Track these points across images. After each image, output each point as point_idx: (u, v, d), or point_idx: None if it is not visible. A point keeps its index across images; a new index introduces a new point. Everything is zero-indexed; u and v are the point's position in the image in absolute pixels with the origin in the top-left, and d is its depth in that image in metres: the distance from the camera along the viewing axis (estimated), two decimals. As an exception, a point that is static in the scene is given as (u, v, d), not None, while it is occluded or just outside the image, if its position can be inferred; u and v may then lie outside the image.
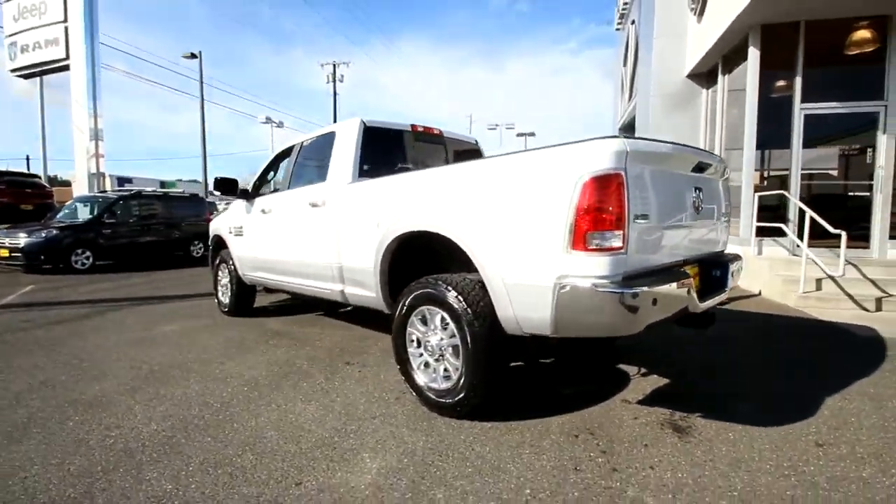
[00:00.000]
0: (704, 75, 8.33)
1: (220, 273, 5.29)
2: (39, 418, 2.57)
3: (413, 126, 3.76)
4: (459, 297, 2.35)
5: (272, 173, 4.70)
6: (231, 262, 4.95)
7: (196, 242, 12.04)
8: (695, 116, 8.55)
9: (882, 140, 5.94)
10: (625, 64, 13.03)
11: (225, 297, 5.20)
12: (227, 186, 4.49)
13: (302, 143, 4.05)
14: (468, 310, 2.31)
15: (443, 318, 2.48)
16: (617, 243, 1.82)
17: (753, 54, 6.33)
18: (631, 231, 1.85)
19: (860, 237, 6.06)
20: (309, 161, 3.91)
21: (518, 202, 2.04)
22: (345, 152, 3.36)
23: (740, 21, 6.13)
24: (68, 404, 2.76)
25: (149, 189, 12.42)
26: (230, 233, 4.88)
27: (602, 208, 1.79)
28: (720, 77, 7.67)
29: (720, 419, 2.46)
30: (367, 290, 3.05)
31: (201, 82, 22.23)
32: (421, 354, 2.66)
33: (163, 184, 23.20)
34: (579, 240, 1.82)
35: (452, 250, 2.60)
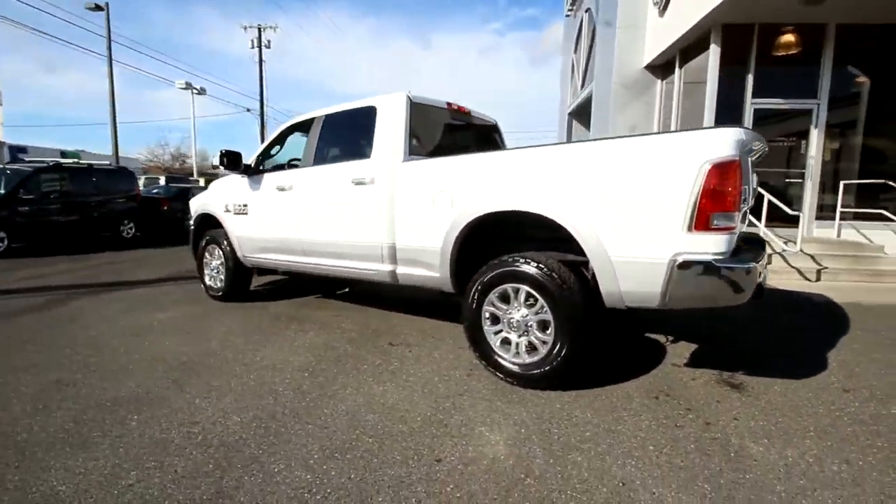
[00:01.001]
0: (660, 67, 8.98)
1: (207, 255, 4.87)
2: (88, 421, 2.28)
3: (448, 104, 3.71)
4: (553, 273, 2.45)
5: (277, 148, 4.38)
6: (226, 243, 4.58)
7: (126, 222, 10.84)
8: (650, 105, 9.22)
9: (814, 134, 6.90)
10: (576, 50, 13.56)
11: (215, 281, 4.82)
12: (233, 161, 4.12)
13: (324, 116, 3.81)
14: (562, 286, 2.42)
15: (529, 294, 2.57)
16: (732, 223, 2.02)
17: (715, 51, 6.96)
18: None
19: (793, 218, 7.02)
20: (338, 136, 3.71)
21: (635, 184, 2.17)
22: (392, 128, 3.25)
23: (708, 19, 6.69)
24: (111, 404, 2.47)
25: (68, 160, 10.84)
26: (227, 211, 4.49)
27: (724, 191, 1.97)
28: (677, 70, 8.33)
29: (758, 375, 2.83)
30: (429, 271, 3.03)
31: (109, 38, 19.46)
32: (499, 331, 2.73)
33: (63, 154, 20.21)
34: (702, 220, 2.00)
35: (530, 229, 2.69)
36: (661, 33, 8.30)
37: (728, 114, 7.14)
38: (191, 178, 22.36)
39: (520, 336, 2.65)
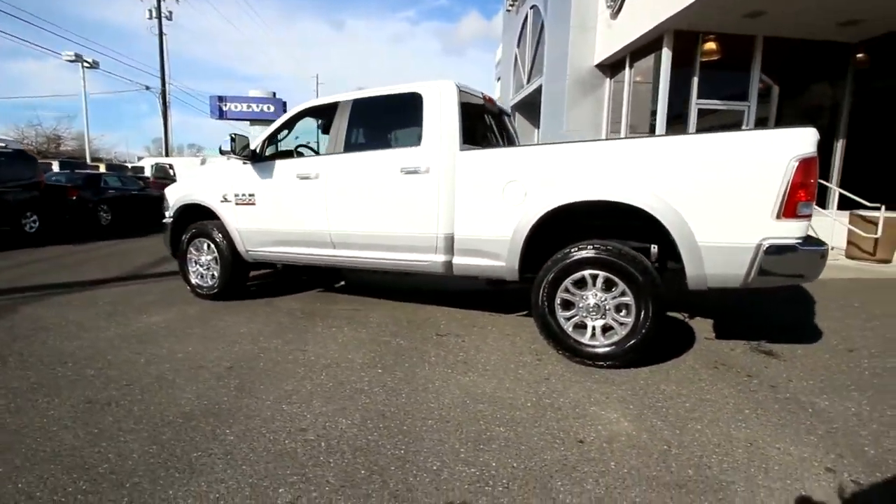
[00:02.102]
0: (609, 66, 9.63)
1: (193, 250, 4.36)
2: (173, 441, 1.99)
3: (482, 94, 3.71)
4: (635, 259, 2.61)
5: (285, 133, 4.04)
6: (221, 236, 4.14)
7: (29, 214, 9.21)
8: (599, 102, 9.86)
9: (744, 133, 7.93)
10: (519, 45, 14.00)
11: (205, 278, 4.34)
12: (242, 146, 3.73)
13: (352, 102, 3.58)
14: (644, 270, 2.60)
15: (608, 280, 2.71)
16: (811, 211, 2.31)
17: (667, 54, 7.64)
18: (810, 201, 2.37)
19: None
20: (374, 123, 3.52)
21: (724, 175, 2.37)
22: (443, 117, 3.17)
23: (662, 26, 7.32)
24: (183, 420, 2.17)
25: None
26: (224, 201, 4.05)
27: (808, 183, 2.25)
28: (627, 70, 9.00)
29: (780, 342, 3.26)
30: (494, 260, 3.03)
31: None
32: (572, 316, 2.84)
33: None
34: (790, 208, 2.26)
35: (592, 219, 2.84)
36: (613, 35, 8.89)
37: (676, 113, 7.90)
38: (88, 164, 19.55)
39: (595, 319, 2.78)
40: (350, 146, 3.54)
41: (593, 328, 2.79)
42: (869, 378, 2.70)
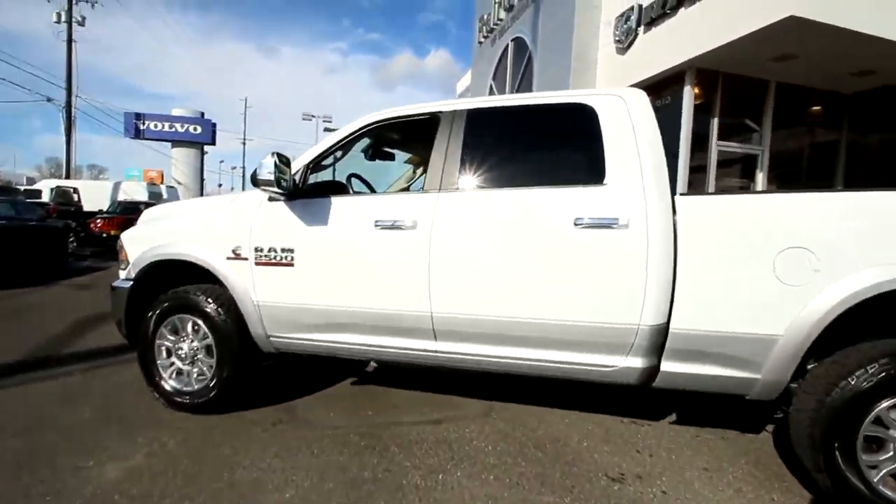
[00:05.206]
0: (609, 103, 9.23)
1: (168, 335, 2.75)
2: None
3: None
4: None
5: (335, 157, 2.69)
6: (222, 313, 2.61)
7: None
8: (598, 138, 9.39)
9: (759, 177, 7.69)
10: (495, 77, 13.52)
11: (189, 379, 2.74)
12: (284, 173, 2.31)
13: (466, 114, 2.34)
14: None
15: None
16: None
17: (689, 92, 7.26)
18: None
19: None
20: (512, 148, 2.30)
21: None
22: (641, 144, 2.06)
23: (685, 63, 6.95)
24: None
25: None
26: (237, 258, 2.55)
27: None
28: (633, 107, 8.59)
29: None
30: (741, 371, 1.89)
31: None
32: (881, 461, 1.78)
33: None
34: None
35: None
36: (619, 72, 8.48)
37: (696, 151, 7.49)
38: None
39: (930, 471, 1.74)
40: (469, 180, 2.28)
41: (923, 485, 1.74)
42: None
